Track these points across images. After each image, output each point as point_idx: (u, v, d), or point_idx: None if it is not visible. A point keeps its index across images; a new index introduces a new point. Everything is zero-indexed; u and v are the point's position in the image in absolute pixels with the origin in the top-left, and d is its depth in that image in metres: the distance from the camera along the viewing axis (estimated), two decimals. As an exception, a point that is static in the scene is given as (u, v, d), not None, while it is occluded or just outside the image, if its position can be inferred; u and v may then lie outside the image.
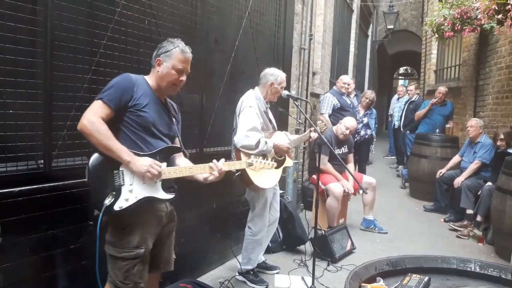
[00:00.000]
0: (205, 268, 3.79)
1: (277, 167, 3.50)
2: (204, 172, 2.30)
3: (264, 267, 3.92)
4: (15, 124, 2.22)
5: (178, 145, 2.37)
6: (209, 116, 3.73)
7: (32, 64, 2.30)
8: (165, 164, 2.17)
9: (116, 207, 2.03)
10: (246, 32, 4.20)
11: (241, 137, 3.25)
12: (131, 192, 2.08)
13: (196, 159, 2.50)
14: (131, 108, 2.12)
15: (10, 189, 2.18)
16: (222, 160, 2.37)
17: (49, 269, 2.41)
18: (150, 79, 2.26)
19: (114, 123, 2.10)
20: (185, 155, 2.42)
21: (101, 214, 2.01)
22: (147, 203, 2.14)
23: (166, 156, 2.22)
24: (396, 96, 10.36)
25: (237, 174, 3.27)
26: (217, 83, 3.85)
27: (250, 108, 3.35)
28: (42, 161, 2.36)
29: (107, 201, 2.02)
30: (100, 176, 2.05)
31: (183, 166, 2.29)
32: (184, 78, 2.27)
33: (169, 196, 2.20)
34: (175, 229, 2.45)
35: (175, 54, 2.22)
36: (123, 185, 2.07)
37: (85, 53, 2.55)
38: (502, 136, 5.21)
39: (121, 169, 2.07)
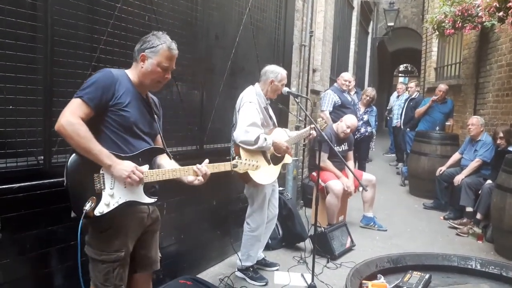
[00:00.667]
0: (204, 264, 3.79)
1: (276, 164, 3.51)
2: (188, 174, 2.20)
3: (263, 264, 3.92)
4: (15, 120, 2.21)
5: (161, 145, 2.28)
6: (209, 112, 3.72)
7: (32, 59, 2.29)
8: (147, 166, 2.09)
9: (97, 213, 1.95)
10: (246, 29, 4.19)
11: (240, 133, 3.25)
12: (112, 197, 1.99)
13: (196, 156, 2.49)
14: (112, 107, 2.01)
15: (9, 185, 2.17)
16: (206, 161, 2.27)
17: (49, 265, 2.40)
18: (132, 74, 2.15)
19: (94, 123, 1.99)
20: (169, 157, 2.29)
21: (81, 220, 1.92)
22: (128, 206, 2.06)
23: (149, 158, 2.14)
24: (395, 94, 10.34)
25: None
26: (217, 79, 3.84)
27: (250, 104, 3.34)
28: (42, 157, 2.36)
29: (87, 206, 1.93)
30: (80, 179, 1.96)
31: (166, 168, 2.19)
32: (169, 75, 2.17)
33: (152, 200, 2.12)
34: (159, 229, 2.39)
35: (161, 51, 2.10)
36: (104, 189, 1.98)
37: (85, 49, 2.54)
38: (501, 135, 5.20)
39: (101, 172, 1.98)
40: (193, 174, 2.21)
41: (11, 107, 2.19)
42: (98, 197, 1.97)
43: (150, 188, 2.14)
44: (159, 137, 2.32)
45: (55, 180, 2.37)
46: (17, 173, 2.23)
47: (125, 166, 1.97)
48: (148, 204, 2.16)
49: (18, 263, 2.24)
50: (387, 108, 10.81)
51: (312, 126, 3.77)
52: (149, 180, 2.07)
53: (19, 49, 2.20)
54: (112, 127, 2.03)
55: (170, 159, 2.29)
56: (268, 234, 3.90)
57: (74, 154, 1.97)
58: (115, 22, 2.69)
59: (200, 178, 2.21)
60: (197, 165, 2.21)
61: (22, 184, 2.22)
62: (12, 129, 2.21)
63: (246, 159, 2.52)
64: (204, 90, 3.63)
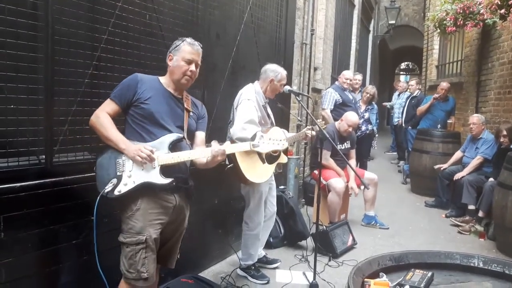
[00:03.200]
0: (206, 263, 3.79)
1: (270, 163, 3.49)
2: (204, 156, 2.34)
3: (264, 261, 3.92)
4: (16, 119, 2.21)
5: (199, 143, 2.47)
6: (211, 111, 3.71)
7: (33, 59, 2.29)
8: (163, 151, 2.24)
9: (116, 192, 2.17)
10: (247, 27, 4.18)
11: (237, 129, 3.23)
12: (130, 178, 2.20)
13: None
14: (135, 102, 2.26)
15: (11, 184, 2.17)
16: (228, 142, 2.46)
17: (51, 264, 2.41)
18: (165, 78, 2.40)
19: (125, 118, 2.31)
20: (189, 145, 2.42)
21: (98, 198, 2.15)
22: (149, 190, 2.22)
23: (167, 145, 2.27)
24: (396, 92, 10.29)
25: (229, 166, 3.25)
26: (218, 78, 3.83)
27: (249, 101, 3.33)
28: (44, 156, 2.36)
29: (108, 186, 2.18)
30: (103, 164, 2.23)
31: (186, 151, 2.32)
32: (194, 68, 2.36)
33: (166, 180, 2.23)
34: (183, 231, 2.51)
35: (183, 47, 2.34)
36: (124, 171, 2.21)
37: (86, 48, 2.54)
38: (504, 133, 5.18)
39: (123, 157, 2.21)
40: (210, 154, 2.31)
41: (12, 106, 2.19)
42: (119, 179, 2.20)
43: (169, 174, 2.24)
44: (199, 134, 2.51)
45: (57, 179, 2.38)
46: (18, 172, 2.23)
47: (134, 147, 2.19)
48: (162, 186, 2.23)
49: (20, 262, 2.24)
50: (389, 105, 10.71)
51: (309, 127, 3.77)
52: (163, 162, 2.23)
53: (20, 48, 2.20)
54: (136, 120, 2.27)
55: (188, 145, 2.41)
56: (267, 232, 3.90)
57: (105, 147, 2.25)
58: (116, 21, 2.68)
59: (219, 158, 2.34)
60: (214, 145, 2.33)
61: (24, 183, 2.23)
62: (14, 128, 2.21)
63: (269, 138, 2.43)
64: (205, 88, 3.63)
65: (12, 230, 2.19)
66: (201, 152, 2.35)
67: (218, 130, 3.80)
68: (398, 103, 9.67)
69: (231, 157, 3.20)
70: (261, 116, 3.44)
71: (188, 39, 2.38)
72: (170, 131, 2.30)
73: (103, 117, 2.20)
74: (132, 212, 2.22)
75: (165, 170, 2.24)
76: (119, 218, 2.29)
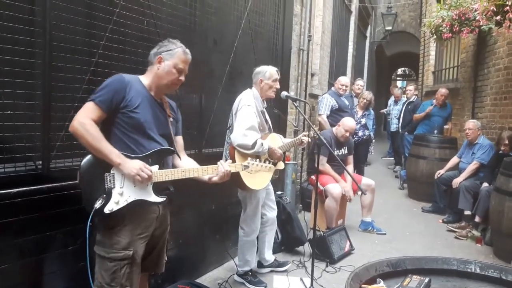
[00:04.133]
0: (203, 269, 3.78)
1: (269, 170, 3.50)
2: (197, 175, 2.30)
3: (276, 265, 3.95)
4: (13, 124, 2.21)
5: (173, 147, 2.33)
6: (208, 117, 3.73)
7: (31, 64, 2.29)
8: (156, 167, 2.16)
9: (106, 210, 2.03)
10: (245, 33, 4.19)
11: (238, 136, 3.23)
12: (121, 195, 2.07)
13: (194, 160, 2.49)
14: (123, 109, 2.10)
15: (8, 190, 2.16)
16: (229, 161, 2.41)
17: (47, 270, 2.39)
18: (146, 78, 2.25)
19: (106, 124, 2.11)
20: (179, 157, 2.39)
21: (90, 217, 2.02)
22: (138, 205, 2.13)
23: (158, 159, 2.19)
24: (392, 99, 10.27)
25: None
26: (216, 84, 3.84)
27: (249, 107, 3.33)
28: (41, 162, 2.35)
29: (98, 203, 2.02)
30: (91, 178, 2.05)
31: (179, 168, 2.29)
32: (183, 78, 2.28)
33: (161, 199, 2.18)
34: (168, 232, 2.43)
35: (178, 53, 2.23)
36: (114, 187, 2.07)
37: (83, 54, 2.54)
38: (506, 142, 5.14)
39: (112, 171, 2.07)
40: (202, 173, 2.31)
41: (9, 112, 2.19)
42: (108, 195, 2.05)
43: (163, 190, 2.21)
44: (178, 139, 2.43)
45: (54, 185, 2.37)
46: (15, 178, 2.22)
47: (134, 164, 2.06)
48: (157, 204, 2.21)
49: (16, 268, 2.23)
50: (384, 111, 10.70)
51: (305, 133, 3.79)
52: (158, 179, 2.15)
53: (18, 54, 2.20)
54: (123, 129, 2.12)
55: (181, 159, 2.40)
56: (271, 236, 3.91)
57: (89, 155, 2.06)
58: (114, 27, 2.69)
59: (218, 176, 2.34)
60: (219, 162, 2.35)
61: (21, 189, 2.22)
62: (11, 134, 2.21)
63: (258, 160, 2.53)
64: (202, 94, 3.63)
65: (8, 236, 2.17)
66: (199, 171, 2.30)
67: (216, 135, 3.81)
68: (395, 109, 9.67)
69: None
70: (259, 122, 3.44)
71: (183, 46, 2.28)
72: (159, 143, 2.21)
73: (90, 125, 2.01)
74: (119, 228, 2.11)
75: (155, 184, 2.17)
76: (99, 230, 2.16)
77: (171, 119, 2.33)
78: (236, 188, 3.60)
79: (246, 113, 3.30)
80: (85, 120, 2.01)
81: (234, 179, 3.26)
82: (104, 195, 2.04)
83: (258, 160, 2.54)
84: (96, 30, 2.61)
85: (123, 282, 2.11)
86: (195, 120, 3.60)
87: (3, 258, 2.17)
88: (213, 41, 3.78)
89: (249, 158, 2.52)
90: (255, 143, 3.21)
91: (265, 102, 3.59)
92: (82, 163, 2.05)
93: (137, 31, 2.88)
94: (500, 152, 5.22)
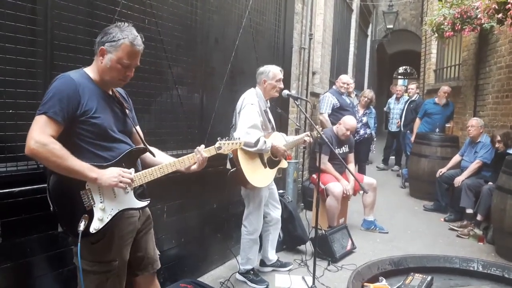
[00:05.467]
0: (205, 268, 3.78)
1: (272, 168, 3.51)
2: (174, 169, 2.15)
3: (279, 265, 3.96)
4: (15, 124, 2.20)
5: (139, 140, 2.18)
6: (209, 115, 3.72)
7: (32, 63, 2.29)
8: (133, 170, 2.00)
9: (92, 230, 1.88)
10: (246, 32, 4.19)
11: (241, 134, 3.24)
12: (103, 211, 1.92)
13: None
14: (81, 117, 1.88)
15: (10, 189, 2.17)
16: (202, 146, 2.26)
17: (49, 269, 2.39)
18: (92, 71, 2.01)
19: (65, 136, 1.85)
20: (150, 152, 2.19)
21: (79, 244, 1.84)
22: (121, 216, 2.00)
23: (132, 161, 2.05)
24: (394, 97, 10.05)
25: (231, 171, 3.27)
26: (217, 82, 3.84)
27: (252, 106, 3.35)
28: (42, 161, 2.35)
29: (82, 225, 1.84)
30: (66, 200, 1.88)
31: (156, 166, 2.11)
32: (131, 73, 2.03)
33: (145, 203, 2.08)
34: (152, 227, 2.32)
35: (122, 46, 1.94)
36: (94, 204, 1.90)
37: (85, 53, 2.53)
38: (498, 138, 5.17)
39: (87, 187, 1.89)
40: (183, 165, 2.18)
41: (11, 111, 2.19)
42: (90, 214, 1.89)
43: (140, 194, 2.08)
44: (138, 130, 2.22)
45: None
46: (17, 177, 2.22)
47: (111, 173, 1.89)
48: (141, 208, 2.11)
49: (18, 267, 2.23)
50: (387, 111, 10.43)
51: (307, 133, 3.80)
52: (137, 184, 2.02)
53: (19, 53, 2.20)
54: (87, 138, 1.91)
55: (153, 156, 2.21)
56: (275, 235, 3.92)
57: (52, 175, 1.86)
58: (115, 26, 2.68)
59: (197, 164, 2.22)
60: (196, 149, 2.22)
61: (23, 188, 2.22)
62: (12, 133, 2.21)
63: (227, 138, 2.41)
64: (204, 93, 3.63)
65: (11, 235, 2.18)
66: (177, 164, 2.15)
67: (218, 134, 3.78)
68: (398, 108, 9.40)
69: (234, 161, 3.23)
70: (262, 121, 3.45)
71: (131, 35, 1.95)
72: (125, 142, 2.05)
73: (53, 144, 1.76)
74: (103, 241, 1.96)
75: (134, 189, 2.04)
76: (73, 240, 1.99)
77: (126, 110, 2.13)
78: (238, 187, 3.60)
79: (249, 111, 3.32)
80: (44, 138, 1.75)
81: (238, 177, 3.28)
82: (86, 215, 1.87)
83: (227, 138, 2.41)
84: (97, 29, 2.58)
85: None
86: (197, 119, 3.60)
87: (6, 256, 2.17)
88: (214, 39, 3.78)
89: (218, 138, 2.40)
90: (258, 141, 3.23)
91: (268, 102, 3.60)
92: (50, 186, 1.87)
93: (138, 30, 2.85)
94: (498, 151, 5.22)
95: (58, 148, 1.78)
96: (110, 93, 2.08)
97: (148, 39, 2.89)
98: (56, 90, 1.84)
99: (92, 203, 1.90)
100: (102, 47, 1.95)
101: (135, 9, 2.85)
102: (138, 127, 2.23)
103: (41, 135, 1.76)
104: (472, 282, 2.21)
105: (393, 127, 9.45)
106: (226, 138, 2.41)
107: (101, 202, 1.92)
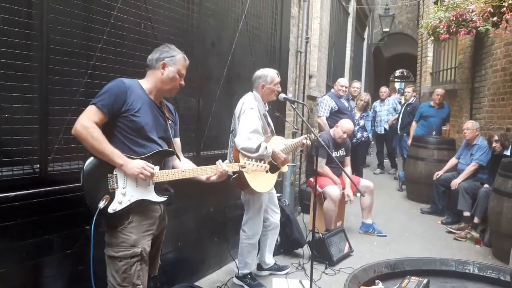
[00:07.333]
0: (202, 272, 3.77)
1: (273, 172, 3.50)
2: (196, 175, 2.39)
3: (276, 269, 3.95)
4: (10, 128, 2.20)
5: (172, 149, 2.41)
6: (206, 119, 3.72)
7: (28, 68, 2.29)
8: (157, 167, 2.23)
9: (110, 210, 2.12)
10: (242, 36, 4.20)
11: (243, 139, 3.23)
12: (124, 195, 2.15)
13: (193, 162, 2.50)
14: (124, 113, 2.17)
15: (5, 193, 2.16)
16: (220, 161, 2.46)
17: (45, 274, 2.38)
18: (147, 82, 2.32)
19: (108, 127, 2.16)
20: (178, 159, 2.49)
21: (94, 217, 2.08)
22: (141, 205, 2.21)
23: (159, 160, 2.27)
24: (379, 100, 9.57)
25: (233, 177, 3.26)
26: (213, 86, 3.84)
27: (252, 110, 3.33)
28: (38, 165, 2.35)
29: (101, 204, 2.09)
30: (94, 180, 2.13)
31: (179, 168, 2.37)
32: (183, 82, 2.39)
33: (162, 198, 2.26)
34: (164, 234, 2.51)
35: (180, 60, 2.34)
36: (117, 188, 2.14)
37: (81, 57, 2.54)
38: (496, 138, 5.21)
39: (115, 172, 2.14)
40: (201, 172, 2.41)
41: (6, 115, 2.18)
42: (112, 196, 2.13)
43: (163, 190, 2.29)
44: (177, 141, 2.51)
45: (51, 188, 2.36)
46: (13, 181, 2.21)
47: (137, 163, 2.13)
48: (159, 203, 2.29)
49: (14, 272, 2.22)
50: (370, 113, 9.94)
51: (305, 136, 3.80)
52: (159, 180, 2.23)
53: (14, 57, 2.20)
54: (124, 132, 2.19)
55: (180, 161, 2.50)
56: (273, 240, 3.91)
57: (91, 157, 2.13)
58: (111, 30, 2.69)
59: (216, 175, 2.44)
60: (221, 165, 2.44)
61: (18, 192, 2.21)
62: (8, 138, 2.20)
63: (254, 160, 2.63)
64: (200, 97, 3.63)
65: (6, 240, 2.17)
66: (199, 171, 2.39)
67: (214, 138, 3.81)
68: (384, 110, 9.24)
69: None
70: (262, 125, 3.44)
71: (180, 52, 2.39)
72: (159, 145, 2.29)
73: (93, 129, 2.07)
74: (124, 226, 2.18)
75: (156, 185, 2.25)
76: (104, 231, 2.23)
77: (169, 121, 2.40)
78: (235, 191, 3.60)
79: (250, 116, 3.30)
80: (88, 123, 2.07)
81: (239, 181, 3.27)
82: (107, 196, 2.12)
83: (254, 160, 2.62)
84: (93, 33, 2.61)
85: (134, 281, 2.17)
86: (193, 123, 3.59)
87: (2, 261, 2.16)
88: (211, 43, 3.79)
89: (245, 159, 2.59)
90: (259, 146, 3.21)
91: (267, 105, 3.59)
92: (85, 165, 2.12)
93: (134, 34, 2.88)
94: (495, 153, 5.24)
95: (96, 133, 2.07)
96: (158, 104, 2.36)
97: (144, 43, 2.91)
98: (108, 88, 2.17)
99: (116, 187, 2.14)
100: (163, 61, 2.30)
101: (131, 13, 2.85)
102: (178, 139, 2.54)
103: (87, 120, 2.08)
104: (468, 285, 2.22)
105: (380, 129, 9.31)
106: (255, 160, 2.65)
107: (123, 188, 2.15)
